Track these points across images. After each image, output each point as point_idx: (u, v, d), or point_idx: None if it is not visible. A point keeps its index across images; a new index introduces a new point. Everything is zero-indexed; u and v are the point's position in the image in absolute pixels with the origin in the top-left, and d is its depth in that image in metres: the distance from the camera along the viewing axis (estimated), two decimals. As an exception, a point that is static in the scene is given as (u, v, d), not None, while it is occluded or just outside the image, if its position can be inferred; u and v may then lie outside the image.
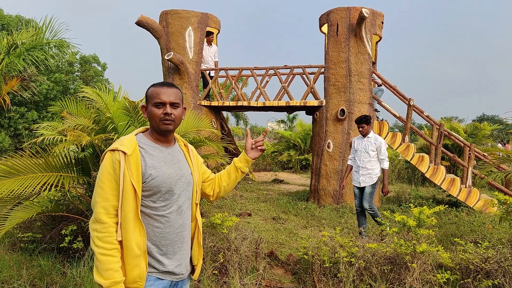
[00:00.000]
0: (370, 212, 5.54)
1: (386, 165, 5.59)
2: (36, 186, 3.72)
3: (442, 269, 3.94)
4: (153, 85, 1.84)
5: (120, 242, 1.68)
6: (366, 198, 5.56)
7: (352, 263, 4.02)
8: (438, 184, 8.34)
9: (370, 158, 5.58)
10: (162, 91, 1.78)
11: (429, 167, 8.40)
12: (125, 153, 1.69)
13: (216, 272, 4.10)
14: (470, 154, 8.26)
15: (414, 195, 9.09)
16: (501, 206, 5.00)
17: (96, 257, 1.65)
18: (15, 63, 8.59)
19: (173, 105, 1.80)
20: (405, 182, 13.17)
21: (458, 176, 8.83)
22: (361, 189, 5.67)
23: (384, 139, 8.75)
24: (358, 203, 5.79)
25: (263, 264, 4.42)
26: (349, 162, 5.93)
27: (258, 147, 2.12)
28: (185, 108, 1.93)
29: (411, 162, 8.65)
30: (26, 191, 3.69)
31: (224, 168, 2.23)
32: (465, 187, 8.20)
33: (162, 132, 1.82)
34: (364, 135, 5.64)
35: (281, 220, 7.19)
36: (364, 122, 5.56)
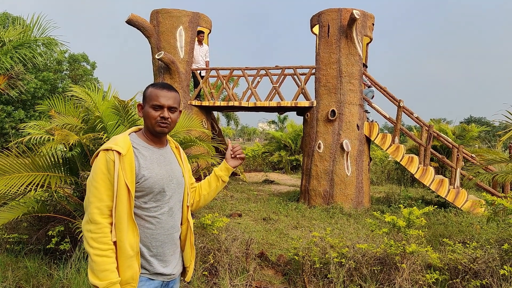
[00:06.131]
0: None
1: None
2: (21, 186, 3.65)
3: (431, 269, 3.96)
4: (152, 86, 1.82)
5: (114, 243, 1.67)
6: None
7: (343, 263, 4.02)
8: (427, 185, 8.41)
9: None
10: (161, 94, 1.77)
11: (418, 168, 8.47)
12: (119, 153, 1.67)
13: (206, 273, 4.08)
14: (458, 155, 8.35)
15: (404, 196, 9.16)
16: (488, 207, 5.06)
17: (91, 258, 1.63)
18: (2, 61, 8.43)
19: (171, 109, 1.80)
20: (394, 183, 13.27)
21: (446, 177, 8.92)
22: None
23: (374, 140, 8.83)
24: None
25: (253, 265, 4.40)
26: None
27: (238, 156, 2.10)
28: (180, 111, 1.92)
29: (400, 163, 8.71)
30: (11, 191, 3.62)
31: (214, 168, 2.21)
32: (454, 188, 8.29)
33: (156, 134, 1.82)
34: None
35: (272, 221, 7.18)
36: None
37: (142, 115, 1.83)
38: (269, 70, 9.46)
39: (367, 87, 9.46)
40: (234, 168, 2.10)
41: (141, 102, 1.86)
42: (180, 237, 1.94)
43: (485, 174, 6.26)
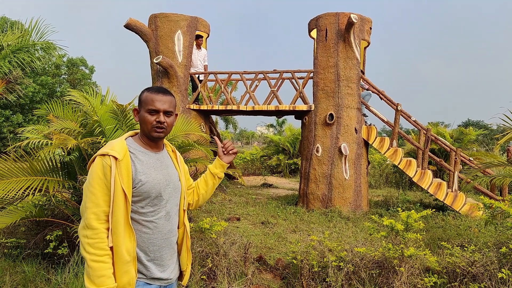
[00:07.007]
0: None
1: None
2: (19, 191, 3.64)
3: (429, 273, 3.97)
4: (148, 90, 1.81)
5: (111, 248, 1.66)
6: None
7: (341, 267, 4.02)
8: (425, 188, 8.42)
9: None
10: (157, 98, 1.76)
11: (416, 171, 8.49)
12: (116, 158, 1.66)
13: (204, 277, 4.07)
14: (456, 158, 8.37)
15: (402, 199, 9.16)
16: (486, 210, 5.06)
17: (87, 264, 1.63)
18: (1, 65, 8.43)
19: (167, 113, 1.79)
20: (393, 186, 13.28)
21: (444, 181, 8.94)
22: None
23: (372, 143, 8.85)
24: None
25: (251, 269, 4.40)
26: None
27: (230, 151, 2.11)
28: (176, 115, 1.92)
29: (399, 166, 8.73)
30: (9, 195, 3.61)
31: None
32: (452, 191, 8.30)
33: (152, 139, 1.81)
34: None
35: (270, 225, 7.17)
36: None
37: (138, 119, 1.82)
38: (267, 74, 9.49)
39: (365, 90, 9.48)
40: (228, 163, 2.11)
41: (137, 107, 1.85)
42: (176, 241, 1.94)
43: (483, 177, 6.26)
